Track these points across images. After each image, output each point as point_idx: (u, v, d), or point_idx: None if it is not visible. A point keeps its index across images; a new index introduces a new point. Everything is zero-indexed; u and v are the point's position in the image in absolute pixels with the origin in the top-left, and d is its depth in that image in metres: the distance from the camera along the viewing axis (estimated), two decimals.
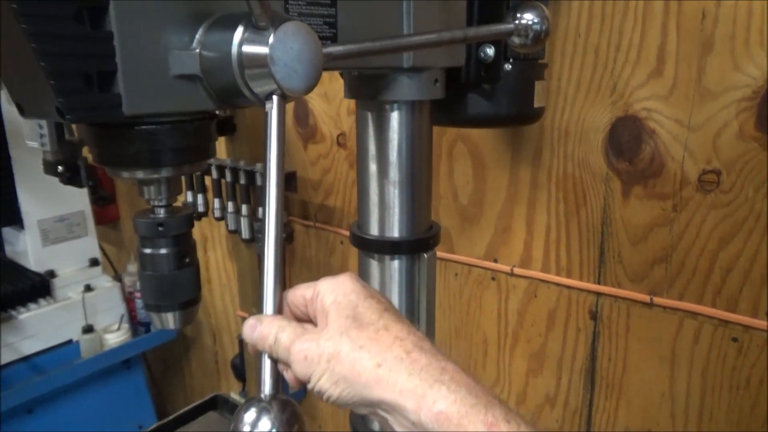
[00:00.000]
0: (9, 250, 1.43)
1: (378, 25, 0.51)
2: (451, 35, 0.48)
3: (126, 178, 0.40)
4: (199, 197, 1.29)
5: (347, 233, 1.19)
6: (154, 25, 0.36)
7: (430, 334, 0.66)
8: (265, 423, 0.34)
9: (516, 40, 0.53)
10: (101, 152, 0.39)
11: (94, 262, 1.47)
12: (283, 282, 0.39)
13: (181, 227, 0.42)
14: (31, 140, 0.87)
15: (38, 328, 1.31)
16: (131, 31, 0.35)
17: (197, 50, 0.38)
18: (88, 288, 1.41)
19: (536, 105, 0.70)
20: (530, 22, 0.52)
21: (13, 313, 1.28)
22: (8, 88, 0.37)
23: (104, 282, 1.47)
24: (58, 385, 1.32)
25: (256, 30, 0.36)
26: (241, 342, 1.43)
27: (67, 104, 0.33)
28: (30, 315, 1.30)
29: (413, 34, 0.50)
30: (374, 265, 0.64)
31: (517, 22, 0.52)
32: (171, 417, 0.80)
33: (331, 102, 1.14)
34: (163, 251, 0.41)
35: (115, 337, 1.41)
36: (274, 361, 0.37)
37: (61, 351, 1.35)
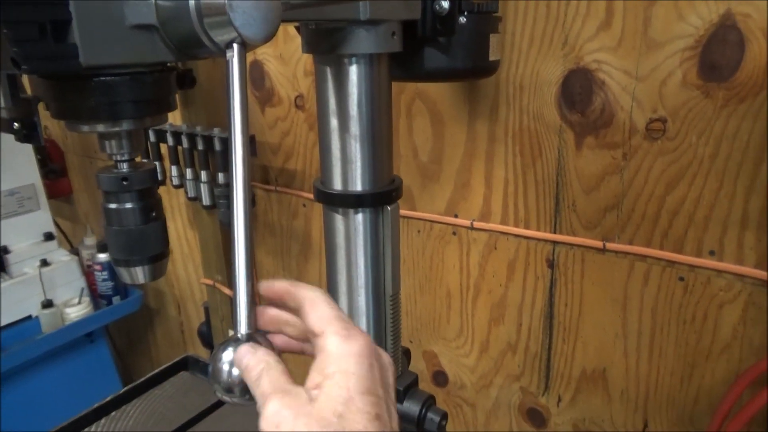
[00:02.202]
0: None
1: None
2: None
3: (86, 132, 0.39)
4: (156, 165, 1.26)
5: (309, 196, 1.19)
6: None
7: (395, 285, 0.68)
8: None
9: None
10: (59, 106, 0.38)
11: (48, 236, 1.43)
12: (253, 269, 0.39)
13: (146, 181, 0.42)
14: None
15: None
16: None
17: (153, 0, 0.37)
18: (45, 263, 1.38)
19: (491, 58, 0.71)
20: None
21: None
22: None
23: (61, 256, 1.44)
24: (20, 361, 1.30)
25: None
26: (207, 309, 1.43)
27: (22, 54, 0.32)
28: None
29: None
30: (339, 220, 0.65)
31: None
32: (142, 379, 0.81)
33: (287, 63, 1.13)
34: (128, 206, 0.41)
35: (76, 311, 1.39)
36: (251, 300, 0.37)
37: (20, 327, 1.33)
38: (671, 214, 0.81)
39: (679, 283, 0.83)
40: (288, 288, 0.41)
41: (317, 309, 0.39)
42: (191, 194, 1.24)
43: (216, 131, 1.15)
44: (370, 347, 0.37)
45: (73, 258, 1.45)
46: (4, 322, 1.30)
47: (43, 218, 1.42)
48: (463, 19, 0.66)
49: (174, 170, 1.26)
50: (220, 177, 1.18)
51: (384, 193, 0.64)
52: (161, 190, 1.36)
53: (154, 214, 0.42)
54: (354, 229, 0.65)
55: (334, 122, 0.62)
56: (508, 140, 0.91)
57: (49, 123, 1.73)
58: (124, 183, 0.40)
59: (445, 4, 0.63)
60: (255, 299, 0.38)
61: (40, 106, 0.45)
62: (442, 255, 1.05)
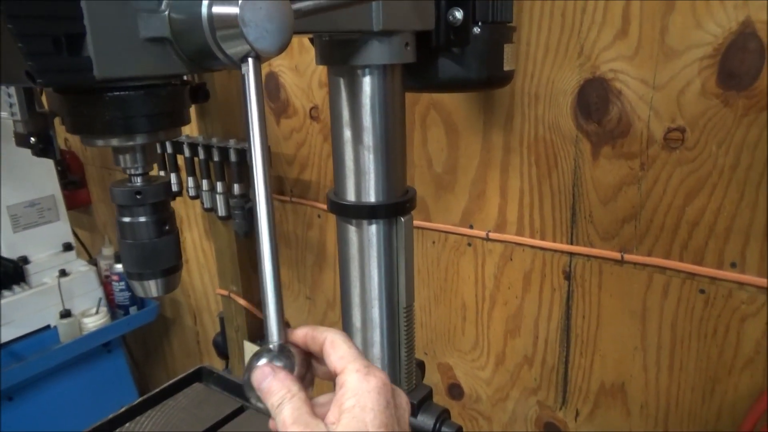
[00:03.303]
0: None
1: None
2: None
3: (100, 146, 0.40)
4: (172, 176, 1.27)
5: (324, 206, 1.19)
6: None
7: (409, 297, 0.68)
8: None
9: None
10: (74, 120, 0.39)
11: (67, 247, 1.45)
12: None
13: (159, 195, 0.42)
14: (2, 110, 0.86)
15: (14, 314, 1.29)
16: None
17: (166, 12, 0.37)
18: (63, 273, 1.40)
19: (506, 68, 0.71)
20: None
21: None
22: None
23: (79, 266, 1.45)
24: (38, 371, 1.31)
25: None
26: (222, 320, 1.43)
27: (37, 67, 0.33)
28: (5, 302, 1.29)
29: None
30: (352, 231, 0.65)
31: None
32: (156, 390, 0.81)
33: (302, 75, 1.14)
34: (142, 219, 0.41)
35: (94, 321, 1.40)
36: (280, 311, 0.38)
37: (39, 337, 1.34)
38: (691, 225, 0.80)
39: (699, 295, 0.81)
40: (309, 332, 0.42)
41: (338, 349, 0.40)
42: (207, 205, 1.25)
43: (231, 142, 1.16)
44: (387, 386, 0.39)
45: (91, 268, 1.46)
46: (22, 332, 1.31)
47: (62, 229, 1.44)
48: (477, 30, 0.66)
49: (190, 181, 1.27)
50: (236, 188, 1.18)
51: (398, 204, 0.63)
52: (178, 201, 1.38)
53: (167, 227, 0.42)
54: (367, 240, 0.65)
55: (347, 133, 0.62)
56: (523, 150, 0.91)
57: (69, 135, 1.75)
58: (138, 197, 0.41)
59: (459, 15, 0.63)
60: (282, 310, 0.38)
61: (56, 121, 0.46)
62: (457, 266, 1.04)
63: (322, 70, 1.10)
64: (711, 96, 0.74)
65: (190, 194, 1.28)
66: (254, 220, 0.37)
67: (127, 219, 0.42)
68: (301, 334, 0.42)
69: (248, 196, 1.18)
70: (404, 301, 0.67)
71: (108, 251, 1.53)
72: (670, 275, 0.83)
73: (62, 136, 1.77)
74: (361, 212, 0.63)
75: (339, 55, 0.58)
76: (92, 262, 1.53)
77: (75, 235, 1.55)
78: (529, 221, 0.94)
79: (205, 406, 0.77)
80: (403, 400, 0.41)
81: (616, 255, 0.86)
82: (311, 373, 0.43)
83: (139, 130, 0.39)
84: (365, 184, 0.63)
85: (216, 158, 1.19)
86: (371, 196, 0.63)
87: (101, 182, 1.74)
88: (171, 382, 0.82)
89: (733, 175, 0.75)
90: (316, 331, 0.42)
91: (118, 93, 0.38)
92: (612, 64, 0.80)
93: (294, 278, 1.33)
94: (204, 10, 0.36)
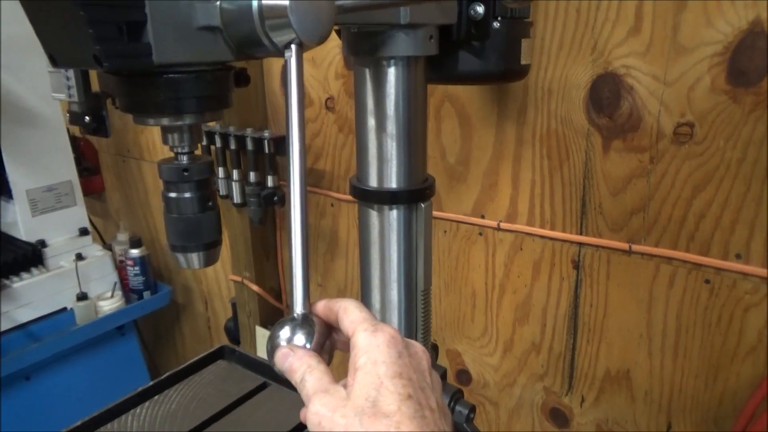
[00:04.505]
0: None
1: None
2: None
3: (151, 125, 0.42)
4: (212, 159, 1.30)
5: (337, 195, 1.22)
6: None
7: (427, 281, 0.70)
8: (300, 337, 0.38)
9: None
10: (128, 101, 0.41)
11: (83, 232, 1.48)
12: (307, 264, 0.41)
13: (204, 172, 0.45)
14: (57, 92, 0.89)
15: (33, 296, 1.33)
16: None
17: (218, 2, 0.40)
18: (80, 257, 1.43)
19: (523, 62, 0.73)
20: None
21: (7, 282, 1.29)
22: (41, 40, 0.39)
23: (95, 251, 1.48)
24: (55, 351, 1.34)
25: None
26: (234, 306, 1.46)
27: (104, 52, 0.35)
28: (24, 284, 1.32)
29: None
30: (374, 216, 0.68)
31: None
32: (181, 366, 0.84)
33: (318, 66, 1.16)
34: (187, 195, 0.44)
35: (109, 304, 1.44)
36: (306, 283, 0.40)
37: (56, 318, 1.37)
38: (698, 217, 0.82)
39: (704, 285, 0.84)
40: (327, 303, 0.43)
41: (349, 314, 0.41)
42: (222, 192, 1.28)
43: (248, 131, 1.18)
44: (396, 338, 0.40)
45: (106, 253, 1.49)
46: (40, 314, 1.34)
47: (78, 214, 1.47)
48: (496, 24, 0.68)
49: None
50: (252, 176, 1.21)
51: (418, 191, 0.66)
52: None
53: (210, 203, 0.45)
54: (388, 225, 0.67)
55: (371, 122, 0.64)
56: (535, 143, 0.93)
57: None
58: (185, 173, 0.43)
59: (480, 9, 0.66)
60: (309, 282, 0.41)
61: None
62: (467, 255, 1.07)
63: (339, 62, 1.13)
64: (720, 92, 0.76)
65: None
66: (288, 195, 0.39)
67: (173, 194, 0.44)
68: (321, 306, 0.44)
69: (264, 183, 1.20)
70: (422, 285, 0.70)
71: (123, 237, 1.56)
72: (676, 265, 0.86)
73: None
74: (383, 198, 0.66)
75: (366, 46, 0.60)
76: (107, 247, 1.56)
77: (89, 220, 1.57)
78: (539, 212, 0.96)
79: (229, 381, 0.80)
80: (418, 349, 0.42)
81: (624, 245, 0.89)
82: (331, 342, 0.44)
83: (188, 110, 0.42)
84: (387, 171, 0.66)
85: (233, 146, 1.21)
86: (393, 183, 0.66)
87: (115, 169, 1.77)
88: (195, 359, 0.85)
89: (740, 169, 0.78)
90: (332, 302, 0.43)
91: (170, 76, 0.40)
92: (624, 60, 0.82)
93: None
94: (255, 1, 0.39)
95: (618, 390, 0.97)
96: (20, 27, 1.27)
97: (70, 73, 0.64)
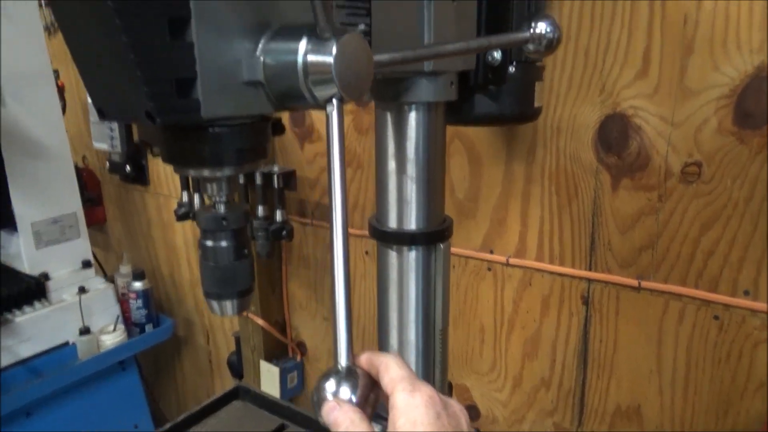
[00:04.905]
0: (2, 254, 1.42)
1: (403, 33, 0.56)
2: (478, 43, 0.53)
3: (192, 176, 0.43)
4: (196, 197, 1.31)
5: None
6: (226, 36, 0.40)
7: (445, 319, 0.71)
8: (345, 391, 0.38)
9: (530, 47, 0.58)
10: (172, 152, 0.42)
11: (86, 264, 1.47)
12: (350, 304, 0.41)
13: (241, 221, 0.45)
14: (99, 142, 0.90)
15: (35, 330, 1.31)
16: (207, 42, 0.38)
17: (261, 58, 0.41)
18: (83, 290, 1.42)
19: (536, 105, 0.75)
20: (545, 31, 0.57)
21: (9, 316, 1.28)
22: (91, 94, 0.40)
23: (98, 284, 1.48)
24: (57, 387, 1.32)
25: (319, 40, 0.40)
26: (238, 340, 1.45)
27: (156, 108, 0.36)
28: (26, 318, 1.30)
29: (447, 43, 0.54)
30: (393, 256, 0.68)
31: (532, 31, 0.57)
32: (196, 409, 0.83)
33: None
34: (224, 243, 0.45)
35: (112, 338, 1.42)
36: (350, 334, 0.41)
37: (58, 353, 1.35)
38: (706, 254, 0.84)
39: (713, 321, 0.85)
40: (369, 358, 0.44)
41: (389, 371, 0.42)
42: None
43: None
44: (434, 398, 0.40)
45: (109, 286, 1.48)
46: (42, 348, 1.33)
47: (82, 246, 1.46)
48: (512, 69, 0.70)
49: None
50: (260, 210, 1.22)
51: (437, 232, 0.67)
52: None
53: (245, 251, 0.46)
54: (407, 265, 0.68)
55: (392, 164, 0.66)
56: (544, 180, 0.95)
57: (87, 152, 1.79)
58: (223, 222, 0.44)
59: (498, 55, 0.68)
60: (352, 334, 0.41)
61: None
62: (476, 290, 1.08)
63: None
64: (727, 134, 0.78)
65: None
66: (330, 245, 0.40)
67: (210, 243, 0.45)
68: (364, 359, 0.44)
69: (272, 218, 1.21)
70: (440, 324, 0.71)
71: (125, 269, 1.55)
72: (685, 302, 0.87)
73: (80, 153, 1.80)
74: (403, 239, 0.67)
75: (390, 92, 0.62)
76: (109, 279, 1.55)
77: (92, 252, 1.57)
78: (548, 248, 0.98)
79: (246, 422, 0.80)
80: (456, 409, 0.43)
81: (634, 282, 0.90)
82: (375, 394, 0.44)
83: (229, 163, 0.43)
84: (407, 213, 0.67)
85: (241, 181, 1.22)
86: (412, 224, 0.67)
87: (118, 200, 1.77)
88: (211, 399, 0.85)
89: (747, 208, 0.79)
90: (374, 356, 0.44)
91: (214, 130, 0.41)
92: (632, 101, 0.84)
93: (312, 299, 1.36)
94: (300, 58, 0.40)
95: (628, 426, 0.97)
96: (31, 59, 1.29)
97: (114, 124, 0.65)
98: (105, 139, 0.80)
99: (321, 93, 0.41)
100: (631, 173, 0.87)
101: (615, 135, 0.87)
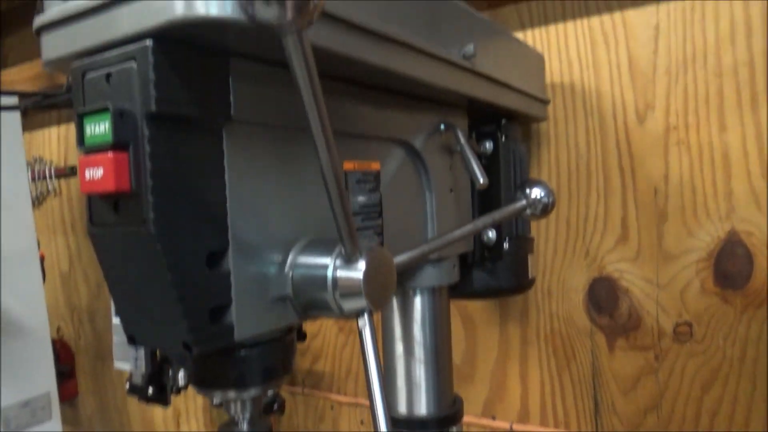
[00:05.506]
0: None
1: (410, 227, 0.59)
2: (484, 222, 0.56)
3: (216, 400, 0.42)
4: (181, 372, 1.26)
5: (338, 398, 1.19)
6: (260, 257, 0.41)
7: None
8: None
9: (528, 211, 0.62)
10: (198, 376, 0.42)
11: None
12: None
13: None
14: (121, 362, 0.89)
15: None
16: (242, 267, 0.40)
17: (290, 273, 0.43)
18: None
19: (530, 276, 0.78)
20: (539, 197, 0.62)
21: None
22: (122, 319, 0.40)
23: None
24: None
25: (347, 256, 0.42)
26: None
27: (194, 338, 0.37)
28: None
29: (456, 230, 0.57)
30: None
31: (526, 198, 0.62)
32: None
33: None
34: None
35: None
36: None
37: None
38: (711, 414, 0.83)
39: None
40: None
41: None
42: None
43: None
44: None
45: None
46: None
47: (54, 428, 1.36)
48: (506, 245, 0.74)
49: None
50: None
51: (448, 417, 0.66)
52: (181, 396, 1.34)
53: None
54: None
55: (399, 349, 0.66)
56: (540, 342, 0.96)
57: (62, 323, 1.73)
58: None
59: (492, 235, 0.72)
60: None
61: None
62: None
63: None
64: (711, 294, 0.82)
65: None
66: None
67: None
68: None
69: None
70: None
71: None
72: None
73: (54, 324, 1.75)
74: (413, 426, 0.66)
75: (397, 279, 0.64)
76: None
77: None
78: (552, 411, 0.96)
79: None
80: None
81: None
82: None
83: (256, 384, 0.42)
84: (417, 397, 0.66)
85: None
86: (422, 409, 0.66)
87: (93, 373, 1.69)
88: None
89: (743, 367, 0.81)
90: None
91: (243, 352, 0.42)
92: (617, 265, 0.88)
93: None
94: (330, 272, 0.42)
95: None
96: (17, 237, 1.29)
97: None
98: (128, 358, 0.79)
99: (348, 306, 0.42)
100: (625, 333, 0.89)
101: (605, 297, 0.90)
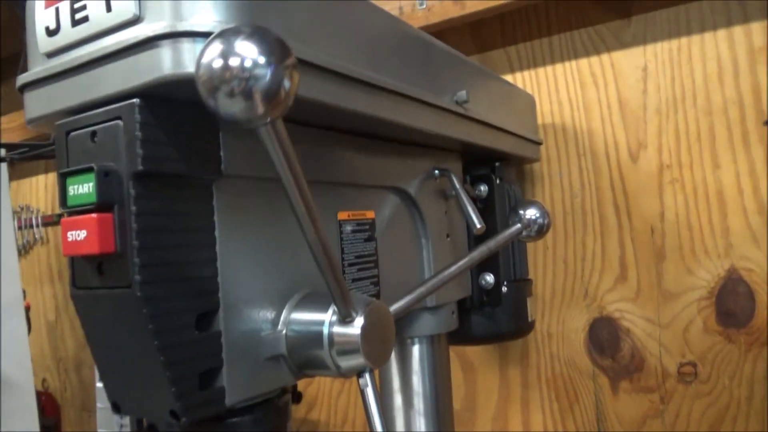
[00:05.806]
0: None
1: (407, 275, 0.57)
2: (480, 253, 0.54)
3: None
4: None
5: None
6: (252, 316, 0.40)
7: None
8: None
9: (523, 233, 0.61)
10: None
11: None
12: None
13: None
14: (104, 429, 0.85)
15: None
16: (234, 327, 0.38)
17: (284, 331, 0.41)
18: None
19: (530, 319, 0.76)
20: (534, 217, 0.61)
21: None
22: (107, 387, 0.38)
23: None
24: None
25: (341, 317, 0.40)
26: None
27: (183, 406, 0.35)
28: None
29: (452, 265, 0.55)
30: None
31: (521, 220, 0.60)
32: None
33: None
34: None
35: None
36: None
37: None
38: None
39: None
40: None
41: None
42: None
43: None
44: None
45: None
46: None
47: None
48: (504, 289, 0.72)
49: None
50: None
51: None
52: None
53: None
54: None
55: (398, 400, 0.63)
56: (542, 386, 0.93)
57: (48, 374, 1.68)
58: None
59: (490, 279, 0.70)
60: None
61: None
62: None
63: None
64: (714, 333, 0.80)
65: None
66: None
67: None
68: None
69: None
70: None
71: None
72: None
73: (39, 376, 1.70)
74: None
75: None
76: None
77: None
78: None
79: None
80: None
81: None
82: None
83: None
84: None
85: None
86: None
87: (79, 425, 1.63)
88: None
89: (750, 407, 0.79)
90: None
91: (236, 419, 0.39)
92: (617, 305, 0.87)
93: None
94: (326, 329, 0.40)
95: None
96: (3, 291, 1.26)
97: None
98: (111, 425, 0.76)
99: (346, 363, 0.40)
100: (629, 375, 0.86)
101: (606, 337, 0.88)
